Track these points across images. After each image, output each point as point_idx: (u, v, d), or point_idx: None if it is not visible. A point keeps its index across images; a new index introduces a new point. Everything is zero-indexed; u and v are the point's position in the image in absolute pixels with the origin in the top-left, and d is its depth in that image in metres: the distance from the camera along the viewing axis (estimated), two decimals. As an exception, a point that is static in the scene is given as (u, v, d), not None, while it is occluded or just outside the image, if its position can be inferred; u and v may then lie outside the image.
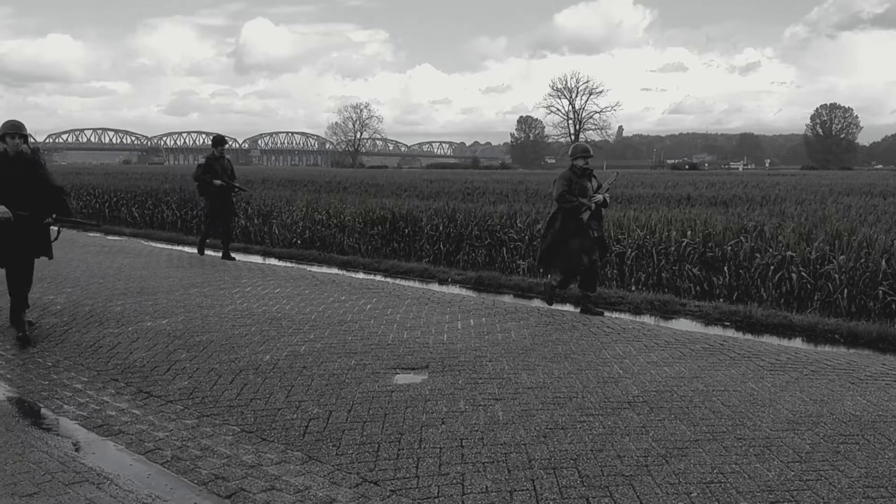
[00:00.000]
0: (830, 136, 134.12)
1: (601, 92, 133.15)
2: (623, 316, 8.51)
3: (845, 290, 9.07)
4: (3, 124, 6.64)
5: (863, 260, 9.36)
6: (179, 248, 14.98)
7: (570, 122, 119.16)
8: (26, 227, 6.61)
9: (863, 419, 4.67)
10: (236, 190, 12.44)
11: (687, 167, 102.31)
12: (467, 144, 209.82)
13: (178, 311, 7.75)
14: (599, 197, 8.08)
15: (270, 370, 5.74)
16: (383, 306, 8.16)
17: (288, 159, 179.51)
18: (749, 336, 7.68)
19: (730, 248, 10.56)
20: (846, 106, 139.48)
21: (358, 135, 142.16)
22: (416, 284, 10.67)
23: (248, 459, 4.21)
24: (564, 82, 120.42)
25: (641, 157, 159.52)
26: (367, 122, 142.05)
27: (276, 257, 13.99)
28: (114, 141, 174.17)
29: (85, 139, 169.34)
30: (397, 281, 11.10)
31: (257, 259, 13.51)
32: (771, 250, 10.16)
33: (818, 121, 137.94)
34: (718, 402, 4.98)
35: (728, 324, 8.25)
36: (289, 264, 12.70)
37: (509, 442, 4.33)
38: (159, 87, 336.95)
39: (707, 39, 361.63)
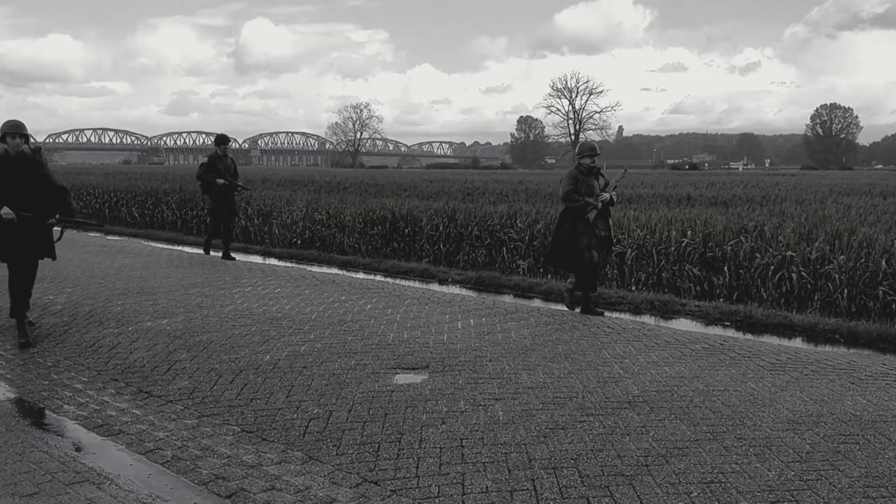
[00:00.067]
0: (830, 136, 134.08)
1: (601, 92, 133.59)
2: (623, 316, 8.51)
3: (845, 290, 9.08)
4: (4, 124, 6.61)
5: (863, 260, 9.36)
6: (179, 248, 14.98)
7: (570, 122, 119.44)
8: (29, 228, 6.57)
9: (863, 419, 4.67)
10: (239, 189, 12.44)
11: (687, 167, 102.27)
12: (467, 144, 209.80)
13: (179, 311, 7.75)
14: (606, 195, 7.99)
15: (271, 370, 5.74)
16: (383, 306, 8.16)
17: (288, 159, 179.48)
18: (749, 336, 7.68)
19: (730, 248, 10.56)
20: (846, 106, 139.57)
21: (358, 135, 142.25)
22: (417, 284, 10.67)
23: (248, 459, 4.21)
24: (564, 82, 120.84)
25: (641, 157, 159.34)
26: (367, 122, 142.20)
27: (276, 257, 13.99)
28: (114, 141, 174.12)
29: (85, 139, 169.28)
30: (397, 281, 11.10)
31: (257, 259, 13.51)
32: (771, 250, 10.17)
33: (818, 121, 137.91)
34: (719, 402, 4.98)
35: (728, 324, 8.25)
36: (289, 264, 12.70)
37: (509, 442, 4.33)
38: (159, 87, 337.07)
39: (707, 39, 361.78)
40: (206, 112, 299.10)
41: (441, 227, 13.98)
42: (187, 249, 14.36)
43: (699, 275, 10.42)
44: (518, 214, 13.77)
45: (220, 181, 11.86)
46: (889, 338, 7.39)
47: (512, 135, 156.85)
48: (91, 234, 16.94)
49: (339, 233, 15.56)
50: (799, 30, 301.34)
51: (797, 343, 7.47)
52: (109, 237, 17.17)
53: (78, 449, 4.45)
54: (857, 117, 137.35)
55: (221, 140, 12.33)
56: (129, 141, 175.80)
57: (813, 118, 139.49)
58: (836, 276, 9.26)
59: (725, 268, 10.27)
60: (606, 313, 8.29)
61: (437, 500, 3.68)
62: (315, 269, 12.19)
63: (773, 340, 7.49)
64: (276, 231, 16.53)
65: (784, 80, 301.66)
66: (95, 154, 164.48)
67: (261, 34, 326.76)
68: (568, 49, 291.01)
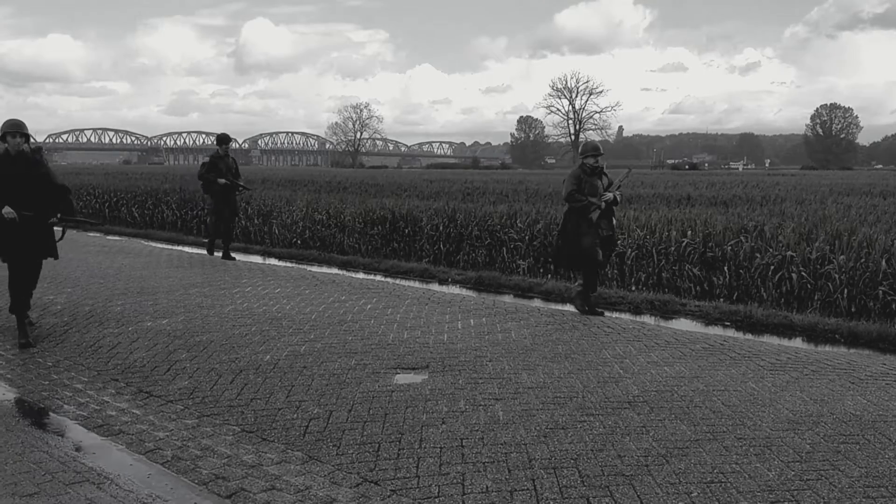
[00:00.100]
0: (830, 136, 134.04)
1: (601, 92, 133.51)
2: (623, 316, 8.51)
3: (845, 290, 9.08)
4: (4, 123, 6.61)
5: (863, 260, 9.36)
6: (179, 248, 14.98)
7: (570, 122, 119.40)
8: (31, 227, 6.56)
9: (863, 419, 4.67)
10: (240, 188, 12.43)
11: (687, 167, 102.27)
12: (467, 144, 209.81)
13: (179, 311, 7.75)
14: (610, 195, 7.94)
15: (271, 370, 5.74)
16: (383, 306, 8.16)
17: (288, 159, 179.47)
18: (749, 336, 7.68)
19: (730, 248, 10.56)
20: (846, 106, 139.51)
21: (358, 135, 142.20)
22: (417, 284, 10.67)
23: (248, 459, 4.21)
24: (564, 82, 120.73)
25: (641, 157, 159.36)
26: (367, 122, 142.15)
27: (276, 257, 13.99)
28: (114, 141, 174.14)
29: (85, 139, 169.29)
30: (397, 281, 11.10)
31: (257, 259, 13.51)
32: (771, 250, 10.17)
33: (818, 121, 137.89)
34: (719, 402, 4.98)
35: (728, 324, 8.25)
36: (289, 264, 12.70)
37: (510, 442, 4.33)
38: (159, 87, 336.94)
39: (707, 39, 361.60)
40: (206, 112, 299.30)
41: (441, 227, 13.98)
42: (187, 249, 14.36)
43: (699, 275, 10.42)
44: (518, 214, 13.77)
45: (222, 181, 11.86)
46: (889, 338, 7.39)
47: (512, 135, 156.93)
48: (91, 234, 16.95)
49: (339, 233, 15.56)
50: (799, 30, 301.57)
51: (797, 343, 7.47)
52: (109, 237, 17.17)
53: (78, 449, 4.45)
54: (857, 117, 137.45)
55: (223, 140, 12.32)
56: (129, 141, 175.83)
57: (813, 118, 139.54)
58: (836, 276, 9.26)
59: (725, 268, 10.27)
60: (606, 313, 8.29)
61: (437, 500, 3.68)
62: (315, 269, 12.19)
63: (774, 340, 7.49)
64: (276, 231, 16.54)
65: (784, 80, 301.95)
66: (95, 154, 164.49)
67: (261, 34, 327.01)
68: (568, 49, 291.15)
